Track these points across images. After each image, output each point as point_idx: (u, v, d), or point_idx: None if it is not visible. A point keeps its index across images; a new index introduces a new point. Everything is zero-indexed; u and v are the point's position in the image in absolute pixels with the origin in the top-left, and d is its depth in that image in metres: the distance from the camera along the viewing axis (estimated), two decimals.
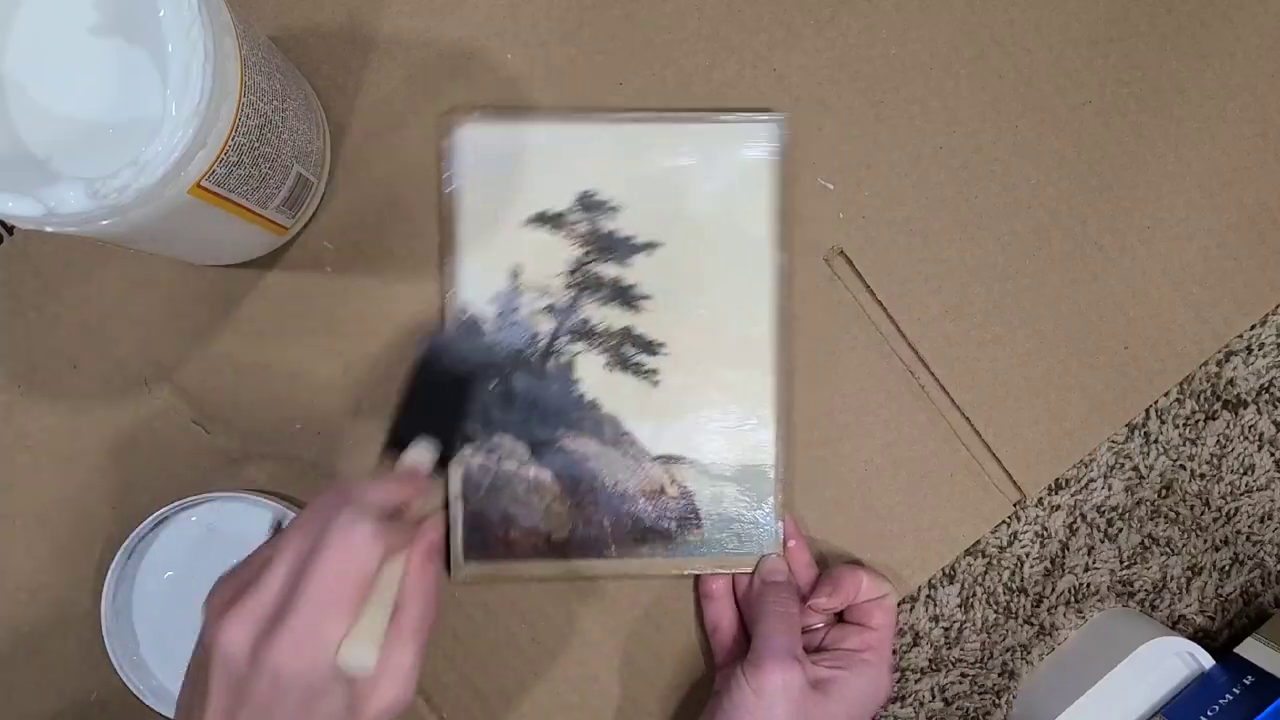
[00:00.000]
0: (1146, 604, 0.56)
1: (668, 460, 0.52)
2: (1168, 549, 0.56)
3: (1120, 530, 0.56)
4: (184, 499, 0.50)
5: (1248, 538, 0.56)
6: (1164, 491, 0.56)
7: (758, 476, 0.53)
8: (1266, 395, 0.56)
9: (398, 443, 0.43)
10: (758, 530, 0.53)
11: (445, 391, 0.45)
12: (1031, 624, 0.56)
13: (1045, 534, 0.55)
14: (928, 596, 0.55)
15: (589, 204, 0.52)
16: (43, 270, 0.52)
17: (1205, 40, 0.55)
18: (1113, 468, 0.55)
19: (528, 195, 0.52)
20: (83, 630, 0.51)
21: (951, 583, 0.55)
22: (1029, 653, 0.56)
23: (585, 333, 0.52)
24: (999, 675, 0.56)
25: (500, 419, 0.52)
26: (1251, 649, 0.53)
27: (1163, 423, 0.55)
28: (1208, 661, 0.52)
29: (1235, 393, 0.56)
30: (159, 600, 0.51)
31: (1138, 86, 0.55)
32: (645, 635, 0.53)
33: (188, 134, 0.36)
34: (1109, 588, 0.56)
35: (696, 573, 0.53)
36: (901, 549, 0.54)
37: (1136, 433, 0.55)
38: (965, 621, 0.55)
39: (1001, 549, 0.55)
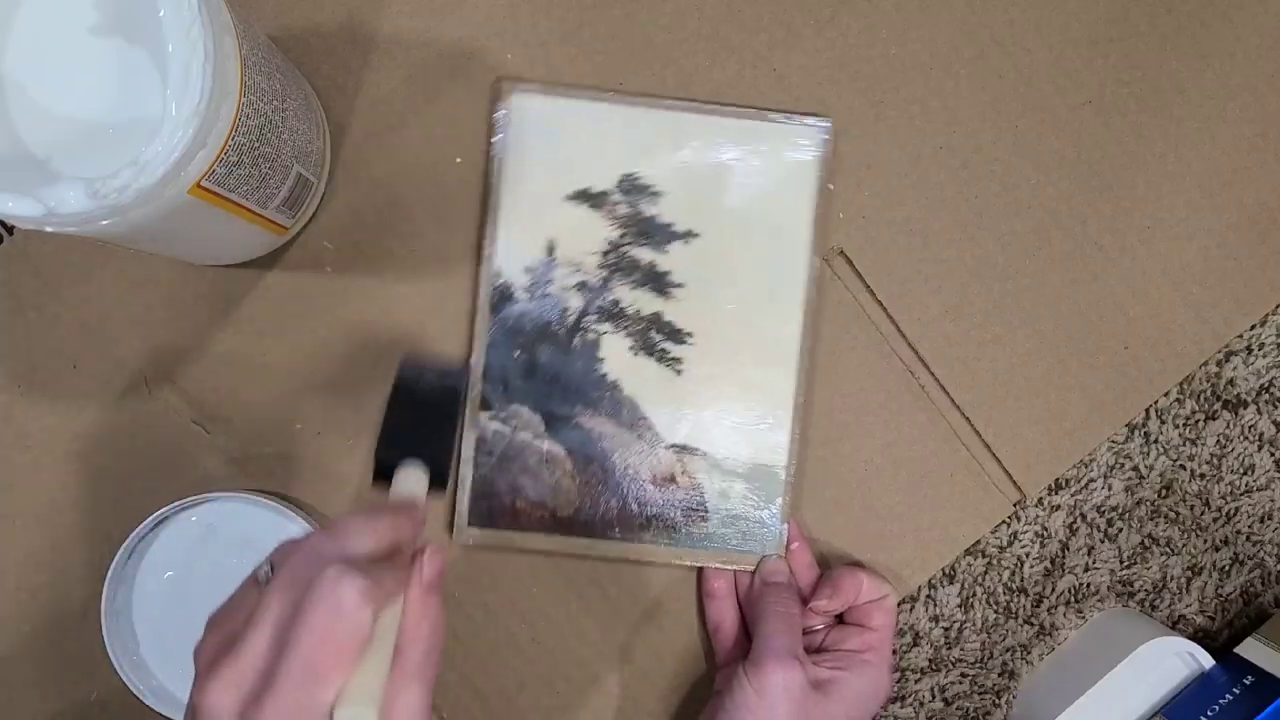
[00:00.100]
0: (1146, 604, 0.56)
1: (681, 450, 0.53)
2: (1168, 549, 0.56)
3: (1120, 530, 0.56)
4: (184, 499, 0.50)
5: (1248, 538, 0.56)
6: (1164, 491, 0.56)
7: (769, 476, 0.53)
8: (1266, 395, 0.56)
9: (385, 473, 0.40)
10: (763, 530, 0.53)
11: (427, 410, 0.43)
12: (1031, 624, 0.56)
13: (1045, 534, 0.55)
14: (928, 596, 0.55)
15: (632, 187, 0.52)
16: (43, 270, 0.52)
17: (1205, 40, 0.55)
18: (1113, 468, 0.55)
19: (571, 171, 0.52)
20: (83, 630, 0.51)
21: (951, 583, 0.55)
22: (1029, 653, 0.56)
23: (614, 314, 0.52)
24: (999, 675, 0.56)
25: (521, 389, 0.52)
26: (1251, 649, 0.53)
27: (1163, 423, 0.55)
28: (1208, 661, 0.52)
29: (1235, 393, 0.56)
30: (159, 600, 0.51)
31: (1138, 86, 0.55)
32: (645, 635, 0.53)
33: (188, 134, 0.36)
34: (1109, 588, 0.56)
35: (697, 565, 0.53)
36: (901, 549, 0.54)
37: (1136, 433, 0.55)
38: (965, 621, 0.55)
39: (1001, 549, 0.55)
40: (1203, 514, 0.56)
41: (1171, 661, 0.52)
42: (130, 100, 0.38)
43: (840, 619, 0.52)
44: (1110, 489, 0.56)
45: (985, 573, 0.55)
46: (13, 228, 0.52)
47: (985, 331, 0.54)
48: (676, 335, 0.53)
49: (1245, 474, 0.56)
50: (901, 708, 0.56)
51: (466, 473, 0.52)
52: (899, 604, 0.55)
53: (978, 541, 0.55)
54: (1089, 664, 0.52)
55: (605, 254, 0.52)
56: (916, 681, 0.56)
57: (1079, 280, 0.55)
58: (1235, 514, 0.56)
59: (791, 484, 0.53)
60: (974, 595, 0.55)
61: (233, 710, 0.33)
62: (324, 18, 0.52)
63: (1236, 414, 0.56)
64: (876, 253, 0.54)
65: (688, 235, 0.53)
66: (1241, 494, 0.56)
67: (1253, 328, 0.55)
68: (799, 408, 0.53)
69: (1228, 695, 0.50)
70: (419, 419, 0.42)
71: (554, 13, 0.53)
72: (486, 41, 0.53)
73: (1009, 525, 0.55)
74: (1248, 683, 0.51)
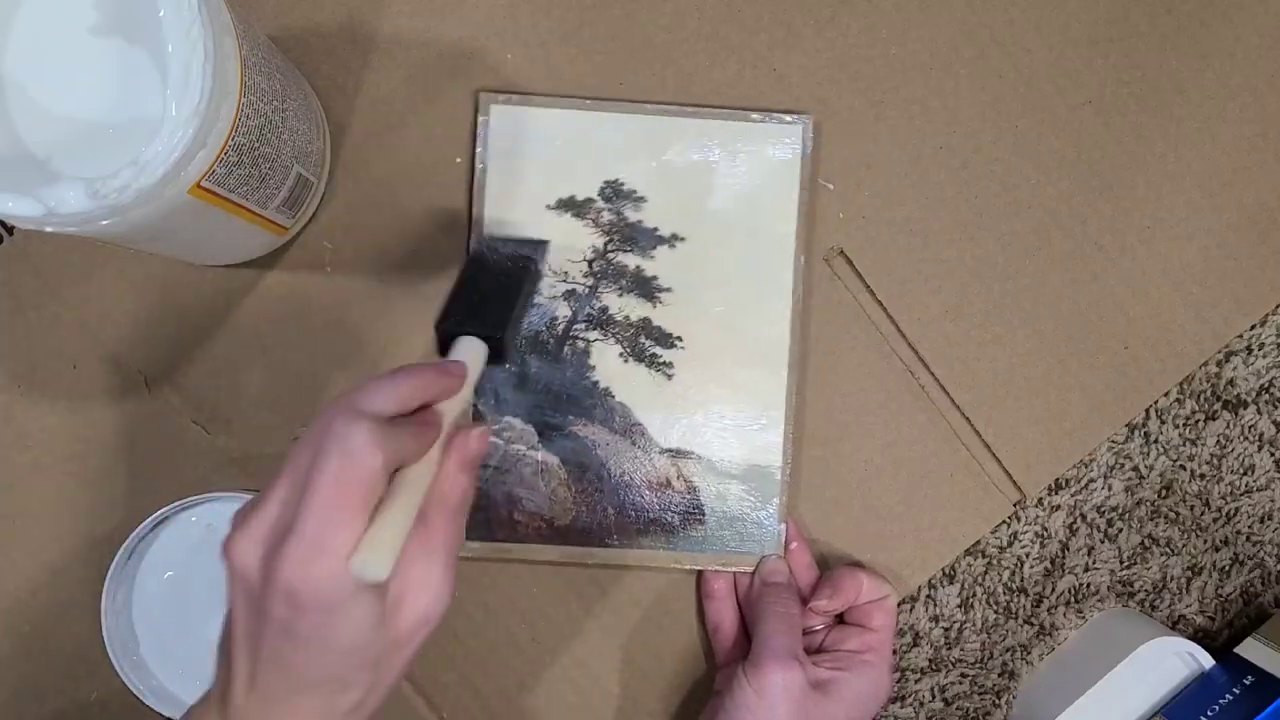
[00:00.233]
0: (1146, 604, 0.56)
1: (676, 454, 0.53)
2: (1168, 549, 0.56)
3: (1120, 530, 0.56)
4: (184, 499, 0.50)
5: (1248, 538, 0.56)
6: (1164, 491, 0.56)
7: (764, 477, 0.53)
8: (1266, 395, 0.56)
9: (447, 344, 0.41)
10: (761, 530, 0.53)
11: (494, 284, 0.44)
12: (1031, 624, 0.56)
13: (1045, 534, 0.55)
14: (928, 596, 0.55)
15: (615, 193, 0.52)
16: (43, 270, 0.52)
17: (1205, 40, 0.55)
18: (1113, 468, 0.55)
19: (554, 180, 0.52)
20: (83, 630, 0.51)
21: (951, 583, 0.55)
22: (1029, 653, 0.56)
23: (603, 321, 0.52)
24: (999, 675, 0.56)
25: (512, 401, 0.52)
26: (1251, 649, 0.53)
27: (1163, 423, 0.55)
28: (1208, 661, 0.52)
29: (1235, 393, 0.56)
30: (159, 600, 0.51)
31: (1138, 86, 0.55)
32: (645, 635, 0.53)
33: (188, 134, 0.36)
34: (1109, 588, 0.56)
35: (697, 568, 0.53)
36: (901, 549, 0.54)
37: (1136, 433, 0.55)
38: (965, 621, 0.55)
39: (1001, 549, 0.55)
40: (1203, 514, 0.56)
41: (1171, 661, 0.52)
42: (130, 100, 0.38)
43: (840, 619, 0.52)
44: (1110, 489, 0.56)
45: (985, 573, 0.55)
46: (13, 228, 0.52)
47: (985, 331, 0.54)
48: (666, 340, 0.53)
49: (1245, 474, 0.56)
50: (901, 708, 0.56)
51: None
52: (899, 604, 0.55)
53: (978, 541, 0.55)
54: (1089, 664, 0.52)
55: (591, 262, 0.52)
56: (916, 681, 0.56)
57: (1079, 280, 0.55)
58: (1235, 514, 0.56)
59: (788, 484, 0.53)
60: (974, 595, 0.55)
61: (256, 562, 0.34)
62: (324, 18, 0.52)
63: (1236, 414, 0.56)
64: (876, 253, 0.54)
65: (673, 239, 0.53)
66: (1241, 494, 0.56)
67: (1253, 328, 0.55)
68: (791, 407, 0.53)
69: (1228, 695, 0.50)
70: (486, 292, 0.43)
71: (554, 13, 0.53)
72: (486, 41, 0.53)
73: (1009, 525, 0.55)
74: (1248, 683, 0.51)
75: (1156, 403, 0.55)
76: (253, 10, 0.52)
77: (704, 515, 0.53)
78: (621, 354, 0.52)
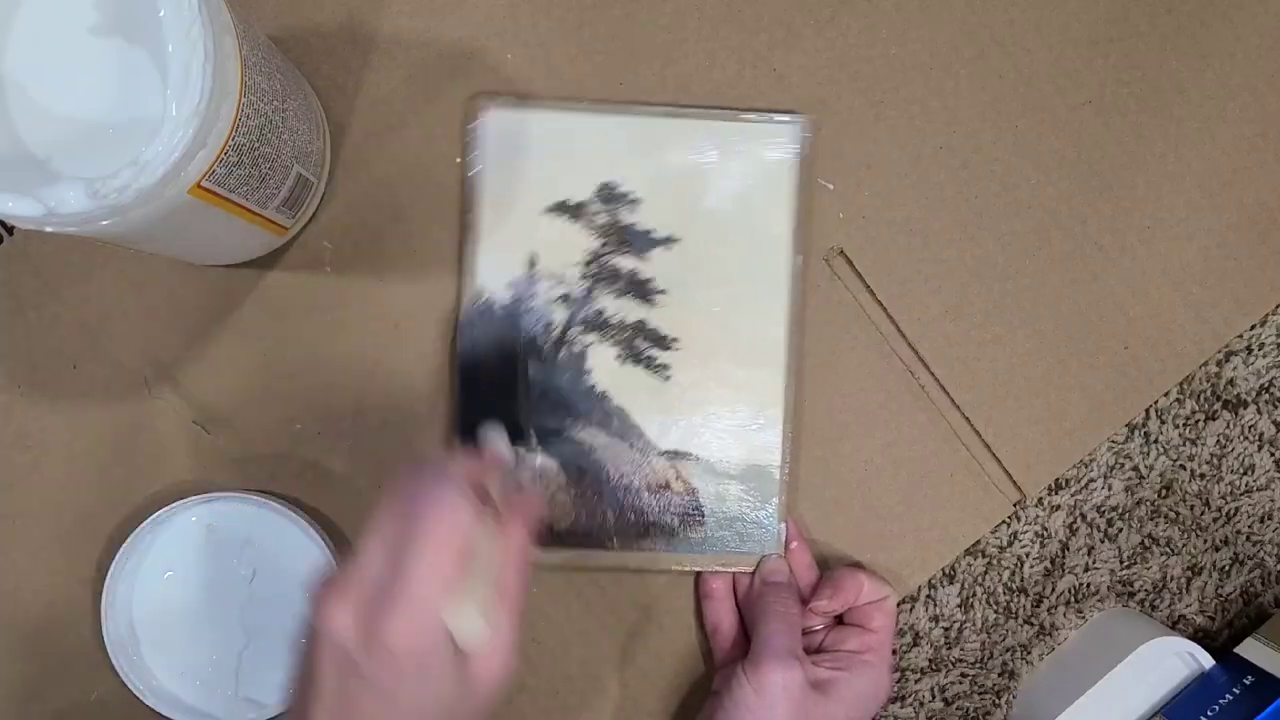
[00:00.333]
0: (1146, 604, 0.56)
1: (674, 456, 0.53)
2: (1168, 549, 0.56)
3: (1120, 530, 0.56)
4: (184, 499, 0.50)
5: (1248, 538, 0.56)
6: (1164, 491, 0.56)
7: (763, 477, 0.53)
8: (1266, 395, 0.56)
9: (470, 432, 0.45)
10: (760, 530, 0.53)
11: (494, 374, 0.47)
12: (1031, 624, 0.56)
13: (1045, 534, 0.55)
14: (928, 596, 0.55)
15: (609, 195, 0.52)
16: (43, 270, 0.52)
17: (1205, 40, 0.55)
18: (1113, 468, 0.55)
19: (549, 184, 0.52)
20: (83, 630, 0.51)
21: (951, 583, 0.55)
22: (1029, 653, 0.56)
23: (599, 324, 0.52)
24: (999, 675, 0.56)
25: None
26: (1251, 649, 0.53)
27: (1163, 423, 0.55)
28: (1208, 661, 0.52)
29: (1235, 393, 0.56)
30: (159, 600, 0.51)
31: (1138, 86, 0.55)
32: (645, 635, 0.53)
33: (188, 134, 0.36)
34: (1109, 588, 0.56)
35: (697, 570, 0.53)
36: (901, 549, 0.54)
37: (1136, 433, 0.55)
38: (965, 621, 0.55)
39: (1001, 549, 0.55)
40: (1203, 514, 0.56)
41: (1171, 661, 0.52)
42: (130, 100, 0.38)
43: (840, 619, 0.52)
44: (1110, 489, 0.56)
45: (985, 573, 0.55)
46: (13, 228, 0.52)
47: (985, 331, 0.54)
48: (662, 341, 0.53)
49: (1245, 474, 0.56)
50: (901, 708, 0.56)
51: None
52: (899, 604, 0.55)
53: (978, 541, 0.55)
54: (1089, 664, 0.52)
55: (587, 264, 0.52)
56: (916, 681, 0.56)
57: (1079, 280, 0.55)
58: (1235, 514, 0.56)
59: (787, 483, 0.53)
60: (974, 595, 0.55)
61: (354, 627, 0.34)
62: (324, 18, 0.52)
63: (1236, 414, 0.56)
64: (876, 253, 0.54)
65: (668, 241, 0.53)
66: (1241, 494, 0.56)
67: (1253, 328, 0.55)
68: (789, 407, 0.53)
69: (1228, 695, 0.50)
70: (486, 388, 0.47)
71: (554, 13, 0.53)
72: (486, 41, 0.53)
73: (1009, 525, 0.55)
74: (1248, 683, 0.51)
75: (1156, 403, 0.55)
76: (253, 10, 0.52)
77: (703, 516, 0.53)
78: (618, 356, 0.52)
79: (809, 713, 0.46)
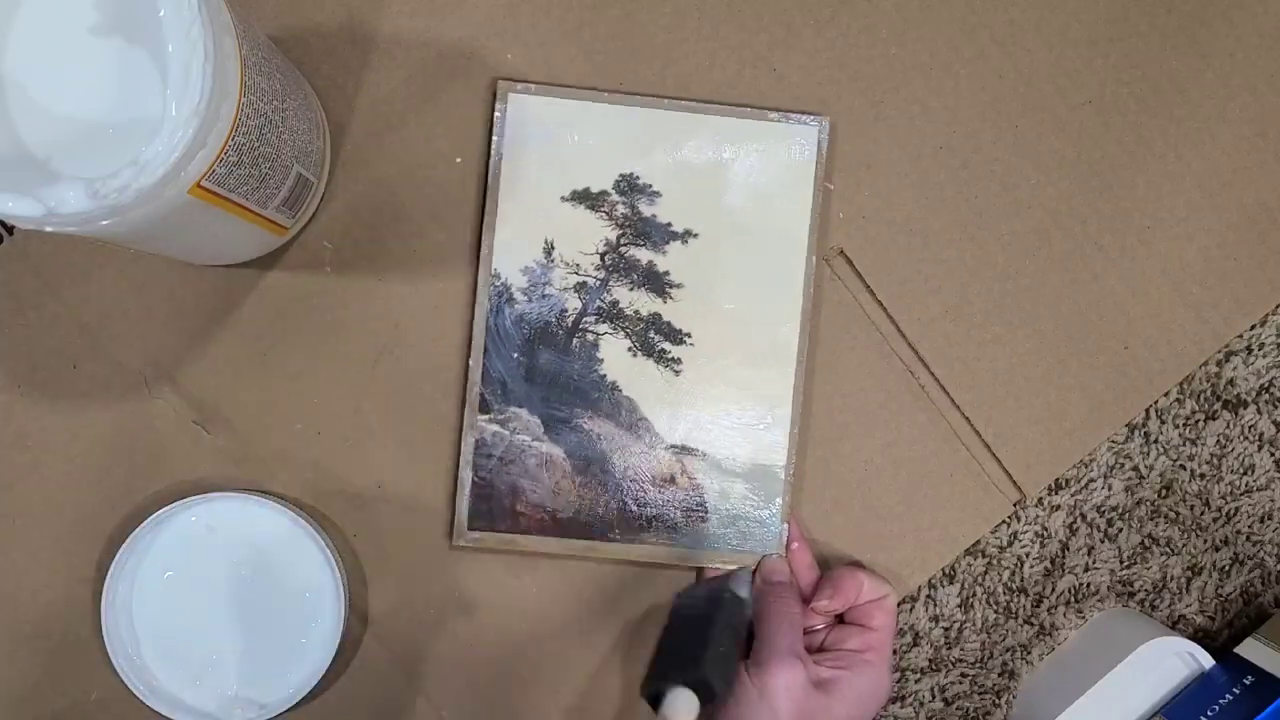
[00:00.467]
0: (1146, 604, 0.56)
1: (681, 450, 0.53)
2: (1168, 549, 0.56)
3: (1120, 530, 0.56)
4: (184, 499, 0.50)
5: (1248, 538, 0.56)
6: (1164, 491, 0.56)
7: (768, 476, 0.53)
8: (1266, 395, 0.56)
9: (657, 693, 0.41)
10: (762, 530, 0.53)
11: (694, 630, 0.44)
12: (1031, 624, 0.56)
13: (1045, 534, 0.55)
14: (928, 596, 0.55)
15: (630, 186, 0.52)
16: (43, 270, 0.52)
17: (1205, 40, 0.55)
18: (1113, 468, 0.55)
19: (569, 171, 0.52)
20: (83, 630, 0.51)
21: (951, 583, 0.55)
22: (1029, 653, 0.56)
23: (613, 315, 0.52)
24: (999, 675, 0.56)
25: (519, 391, 0.52)
26: (1251, 649, 0.53)
27: (1163, 423, 0.55)
28: (1208, 661, 0.52)
29: (1235, 393, 0.56)
30: (159, 600, 0.51)
31: (1138, 86, 0.55)
32: (646, 635, 0.53)
33: (188, 134, 0.36)
34: (1109, 588, 0.56)
35: (698, 565, 0.53)
36: (901, 549, 0.54)
37: (1136, 433, 0.55)
38: (965, 621, 0.55)
39: (1001, 549, 0.55)
40: (1203, 514, 0.56)
41: (1171, 661, 0.52)
42: (130, 100, 0.38)
43: (840, 619, 0.52)
44: (1110, 489, 0.56)
45: (985, 573, 0.55)
46: (13, 228, 0.52)
47: (985, 331, 0.54)
48: (675, 336, 0.53)
49: (1245, 474, 0.56)
50: (901, 708, 0.56)
51: (466, 476, 0.52)
52: (899, 604, 0.55)
53: (978, 541, 0.55)
54: (1089, 664, 0.52)
55: (603, 254, 0.52)
56: (916, 681, 0.56)
57: (1079, 280, 0.55)
58: (1235, 514, 0.56)
59: (791, 484, 0.53)
60: (974, 595, 0.55)
61: None
62: (324, 18, 0.52)
63: (1236, 414, 0.56)
64: (876, 253, 0.54)
65: (686, 235, 0.53)
66: (1241, 494, 0.56)
67: (1253, 328, 0.55)
68: (798, 407, 0.53)
69: (1228, 695, 0.50)
70: (683, 638, 0.44)
71: (554, 13, 0.53)
72: (486, 41, 0.53)
73: (1009, 525, 0.55)
74: (1248, 683, 0.51)
75: (1156, 403, 0.55)
76: (253, 10, 0.52)
77: (707, 512, 0.53)
78: (630, 348, 0.52)
79: (811, 712, 0.46)
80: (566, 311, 0.52)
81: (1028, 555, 0.55)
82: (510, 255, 0.52)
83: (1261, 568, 0.57)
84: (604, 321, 0.52)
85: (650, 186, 0.52)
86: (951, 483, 0.54)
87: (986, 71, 0.54)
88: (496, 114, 0.52)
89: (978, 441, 0.54)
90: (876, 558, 0.54)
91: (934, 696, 0.56)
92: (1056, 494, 0.55)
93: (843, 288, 0.54)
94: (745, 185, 0.53)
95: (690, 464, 0.53)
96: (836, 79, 0.54)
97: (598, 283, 0.52)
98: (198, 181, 0.39)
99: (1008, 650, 0.56)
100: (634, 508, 0.52)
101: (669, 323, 0.53)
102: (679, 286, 0.53)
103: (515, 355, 0.52)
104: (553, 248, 0.52)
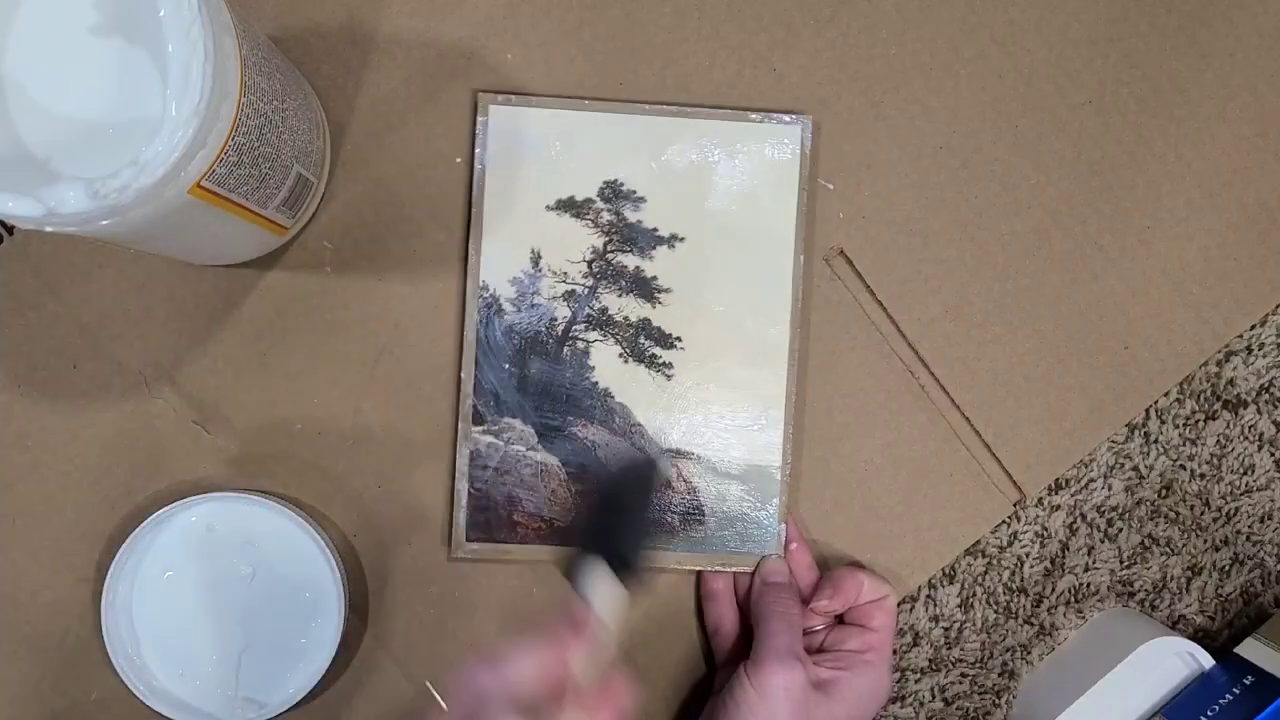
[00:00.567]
0: (1146, 604, 0.56)
1: (676, 455, 0.53)
2: (1168, 549, 0.56)
3: (1120, 530, 0.56)
4: (184, 499, 0.50)
5: (1248, 538, 0.56)
6: (1164, 491, 0.56)
7: (764, 477, 0.53)
8: (1266, 395, 0.56)
9: (577, 570, 0.41)
10: (760, 531, 0.53)
11: (619, 507, 0.44)
12: (1031, 624, 0.56)
13: (1045, 534, 0.55)
14: (928, 596, 0.55)
15: (614, 193, 0.52)
16: (43, 270, 0.52)
17: (1205, 40, 0.55)
18: (1113, 468, 0.55)
19: (553, 180, 0.52)
20: (83, 630, 0.51)
21: (951, 583, 0.55)
22: (1029, 653, 0.56)
23: (602, 322, 0.52)
24: (999, 675, 0.56)
25: (512, 402, 0.52)
26: (1251, 649, 0.53)
27: (1163, 423, 0.55)
28: (1208, 661, 0.52)
29: (1235, 393, 0.56)
30: (159, 600, 0.51)
31: (1138, 86, 0.55)
32: (645, 635, 0.53)
33: (188, 134, 0.36)
34: (1109, 588, 0.56)
35: (697, 569, 0.53)
36: (901, 549, 0.54)
37: (1136, 433, 0.55)
38: (965, 621, 0.55)
39: (1001, 549, 0.55)
40: (1203, 514, 0.56)
41: (1171, 661, 0.52)
42: (130, 100, 0.38)
43: (840, 619, 0.52)
44: (1110, 489, 0.56)
45: (985, 573, 0.55)
46: (13, 228, 0.52)
47: (985, 331, 0.54)
48: (665, 340, 0.53)
49: (1245, 474, 0.56)
50: (901, 708, 0.56)
51: (462, 488, 0.52)
52: (899, 604, 0.55)
53: (978, 541, 0.55)
54: (1089, 664, 0.52)
55: (591, 262, 0.52)
56: (916, 681, 0.56)
57: (1079, 280, 0.55)
58: (1235, 514, 0.56)
59: (787, 484, 0.53)
60: (974, 595, 0.55)
61: None
62: (324, 18, 0.52)
63: (1236, 414, 0.56)
64: (876, 253, 0.54)
65: (672, 239, 0.53)
66: (1241, 494, 0.56)
67: (1253, 328, 0.55)
68: (791, 407, 0.53)
69: (1228, 695, 0.50)
70: (611, 517, 0.44)
71: (554, 13, 0.53)
72: (486, 41, 0.53)
73: (1009, 525, 0.55)
74: (1248, 683, 0.51)
75: (1156, 403, 0.55)
76: (253, 10, 0.52)
77: (704, 515, 0.53)
78: (621, 354, 0.52)
79: (811, 713, 0.46)
80: (556, 320, 0.52)
81: (1028, 555, 0.55)
82: (498, 266, 0.52)
83: (1261, 568, 0.57)
84: (594, 329, 0.52)
85: (635, 192, 0.52)
86: (951, 483, 0.54)
87: (986, 71, 0.54)
88: (478, 126, 0.52)
89: (978, 441, 0.54)
90: (876, 558, 0.54)
91: (934, 696, 0.56)
92: (1056, 494, 0.55)
93: (842, 287, 0.54)
94: (730, 187, 0.53)
95: (686, 467, 0.53)
96: (836, 79, 0.54)
97: (586, 290, 0.52)
98: (198, 181, 0.39)
99: (1008, 650, 0.56)
100: None
101: (659, 328, 0.53)
102: (667, 291, 0.53)
103: (506, 366, 0.52)
104: (540, 257, 0.52)
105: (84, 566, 0.52)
